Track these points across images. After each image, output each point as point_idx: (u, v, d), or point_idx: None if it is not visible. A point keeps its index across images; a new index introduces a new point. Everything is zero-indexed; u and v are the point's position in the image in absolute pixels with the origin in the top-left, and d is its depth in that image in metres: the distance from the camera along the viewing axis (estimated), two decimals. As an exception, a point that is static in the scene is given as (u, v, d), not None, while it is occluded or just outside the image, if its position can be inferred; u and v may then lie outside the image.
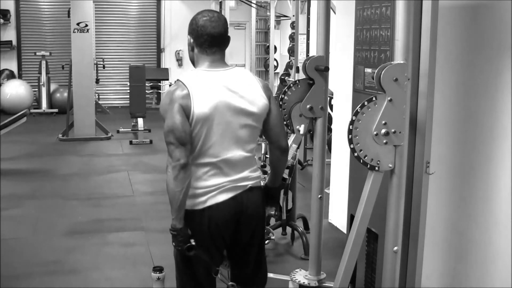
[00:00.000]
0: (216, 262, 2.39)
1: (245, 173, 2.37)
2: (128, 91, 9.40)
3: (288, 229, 4.46)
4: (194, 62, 2.41)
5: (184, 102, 2.23)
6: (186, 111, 2.23)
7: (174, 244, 2.33)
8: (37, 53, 11.24)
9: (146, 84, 10.40)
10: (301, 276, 3.56)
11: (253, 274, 2.54)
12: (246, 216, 2.38)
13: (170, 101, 2.25)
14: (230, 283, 2.43)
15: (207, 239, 2.35)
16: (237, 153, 2.33)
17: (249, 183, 2.38)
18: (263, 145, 4.53)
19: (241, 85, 2.34)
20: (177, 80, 2.32)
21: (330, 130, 5.10)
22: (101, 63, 10.53)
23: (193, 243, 2.29)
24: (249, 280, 2.53)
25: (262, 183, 2.52)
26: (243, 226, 2.39)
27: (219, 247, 2.41)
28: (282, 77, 9.47)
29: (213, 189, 2.32)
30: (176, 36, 12.89)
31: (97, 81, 9.89)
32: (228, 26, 2.41)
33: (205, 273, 2.40)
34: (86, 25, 8.72)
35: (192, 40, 2.36)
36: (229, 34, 2.39)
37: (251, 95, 2.34)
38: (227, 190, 2.33)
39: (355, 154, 2.22)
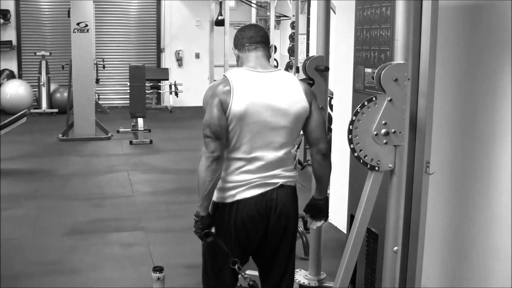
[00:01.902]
0: (235, 257, 2.40)
1: (277, 171, 2.38)
2: (128, 91, 9.40)
3: (288, 229, 4.45)
4: None
5: (224, 98, 2.29)
6: (224, 107, 2.29)
7: (194, 229, 2.38)
8: (37, 53, 11.23)
9: (146, 84, 10.40)
10: (301, 276, 3.56)
11: (280, 279, 2.53)
12: (275, 214, 2.38)
13: (212, 95, 2.33)
14: (248, 278, 2.42)
15: (231, 233, 2.38)
16: (271, 153, 2.36)
17: (280, 181, 2.38)
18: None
19: (282, 87, 2.37)
20: (224, 75, 2.38)
21: (330, 130, 5.10)
22: (101, 63, 10.53)
23: (212, 231, 2.35)
24: (276, 285, 2.53)
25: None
26: (272, 224, 2.39)
27: (242, 244, 2.41)
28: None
29: (243, 184, 2.35)
30: (176, 36, 12.89)
31: (97, 81, 9.88)
32: (266, 32, 2.56)
33: (231, 276, 2.43)
34: (86, 25, 8.71)
35: (236, 51, 2.48)
36: (269, 39, 2.52)
37: (292, 97, 2.37)
38: (256, 186, 2.35)
39: (355, 154, 2.22)
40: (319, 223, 2.59)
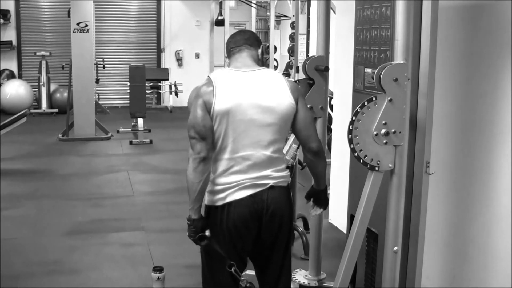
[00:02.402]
0: (231, 259, 2.40)
1: (267, 172, 2.37)
2: (128, 91, 9.40)
3: (288, 229, 4.45)
4: None
5: (207, 98, 2.31)
6: (207, 107, 2.30)
7: (188, 233, 2.38)
8: (37, 53, 11.24)
9: (146, 84, 10.40)
10: (301, 276, 3.56)
11: (277, 279, 2.53)
12: (267, 215, 2.37)
13: (195, 96, 2.34)
14: (245, 280, 2.42)
15: (225, 236, 2.37)
16: (259, 152, 2.35)
17: (270, 182, 2.37)
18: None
19: (267, 85, 2.38)
20: (208, 76, 2.39)
21: (330, 130, 5.10)
22: (101, 63, 10.53)
23: (206, 234, 2.35)
24: (273, 285, 2.53)
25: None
26: (264, 226, 2.39)
27: (236, 246, 2.40)
28: (282, 77, 9.41)
29: (232, 185, 2.34)
30: (176, 36, 12.89)
31: (97, 81, 9.89)
32: (256, 35, 2.58)
33: (229, 278, 2.42)
34: (86, 25, 8.72)
35: (227, 60, 2.52)
36: (258, 38, 2.53)
37: (277, 95, 2.37)
38: (246, 188, 2.34)
39: (355, 154, 2.22)
40: (319, 211, 2.68)
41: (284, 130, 2.42)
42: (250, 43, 2.48)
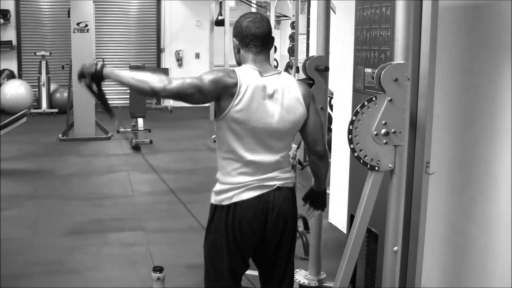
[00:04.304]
0: (235, 263, 2.41)
1: (274, 174, 2.38)
2: (128, 91, 9.40)
3: (288, 229, 4.44)
4: (239, 64, 2.43)
5: (227, 92, 2.25)
6: (223, 103, 2.25)
7: (79, 72, 2.40)
8: (37, 53, 11.24)
9: (146, 84, 10.38)
10: (301, 276, 3.56)
11: (280, 281, 2.54)
12: (273, 216, 2.38)
13: (223, 75, 2.26)
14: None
15: (229, 235, 2.37)
16: (267, 157, 2.35)
17: (276, 183, 2.38)
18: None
19: (281, 92, 2.34)
20: (233, 70, 2.31)
21: (330, 130, 5.10)
22: (101, 63, 10.52)
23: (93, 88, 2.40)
24: (277, 285, 2.54)
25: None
26: (270, 226, 2.39)
27: (240, 247, 2.40)
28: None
29: (240, 186, 2.34)
30: (176, 36, 12.89)
31: (97, 81, 9.88)
32: (271, 27, 2.43)
33: (231, 274, 2.43)
34: (86, 25, 8.72)
35: (237, 42, 2.40)
36: (273, 35, 2.42)
37: (290, 102, 2.34)
38: (253, 189, 2.35)
39: (355, 154, 2.22)
40: (316, 213, 2.68)
41: (293, 136, 2.44)
42: (270, 42, 2.40)
